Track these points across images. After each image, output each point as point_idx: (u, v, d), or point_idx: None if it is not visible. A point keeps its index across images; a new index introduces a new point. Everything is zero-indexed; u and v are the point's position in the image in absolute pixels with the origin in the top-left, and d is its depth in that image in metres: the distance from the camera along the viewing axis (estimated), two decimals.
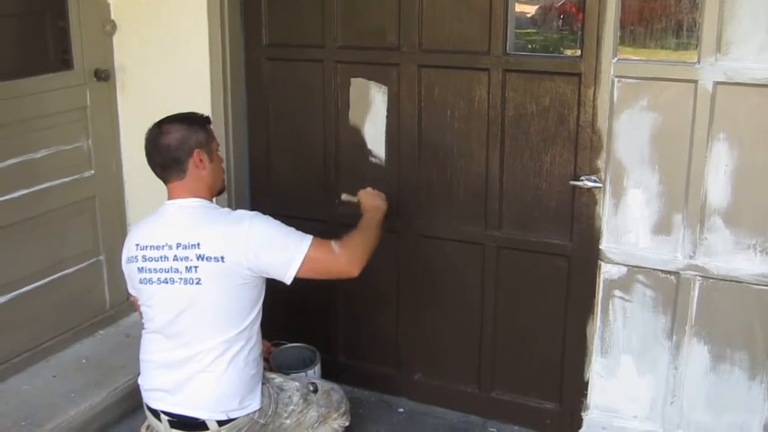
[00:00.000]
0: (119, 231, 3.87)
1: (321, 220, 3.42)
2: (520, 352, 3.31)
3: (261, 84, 3.51)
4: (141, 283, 2.59)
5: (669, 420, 3.09)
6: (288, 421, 2.73)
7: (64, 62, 3.55)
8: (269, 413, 2.68)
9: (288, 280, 2.55)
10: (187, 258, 2.49)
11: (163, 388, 2.60)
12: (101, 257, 3.80)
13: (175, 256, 2.51)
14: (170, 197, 2.62)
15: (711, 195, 2.84)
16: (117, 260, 3.81)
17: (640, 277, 3.01)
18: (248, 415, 2.61)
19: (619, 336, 3.10)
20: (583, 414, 3.23)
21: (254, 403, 2.63)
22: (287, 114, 3.49)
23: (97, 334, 3.79)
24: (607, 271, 3.06)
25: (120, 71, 3.71)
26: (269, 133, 3.55)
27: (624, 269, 3.03)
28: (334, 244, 2.60)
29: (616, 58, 2.85)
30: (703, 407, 3.03)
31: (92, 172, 3.70)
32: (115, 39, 3.68)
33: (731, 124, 2.76)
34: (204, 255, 2.48)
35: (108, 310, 3.86)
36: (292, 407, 2.74)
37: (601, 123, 2.92)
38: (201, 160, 2.59)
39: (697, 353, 2.99)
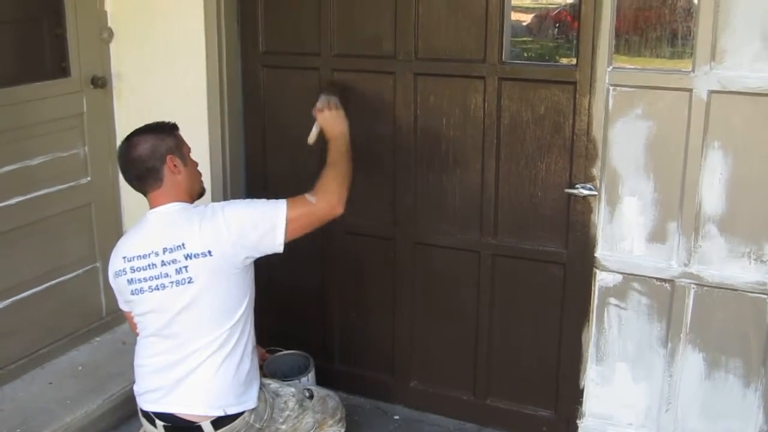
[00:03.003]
0: (115, 238, 3.80)
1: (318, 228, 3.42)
2: (515, 359, 3.32)
3: (257, 91, 3.51)
4: (133, 294, 2.59)
5: (664, 427, 3.09)
6: (284, 427, 2.73)
7: (61, 69, 3.55)
8: (265, 417, 2.68)
9: (279, 248, 2.57)
10: (175, 260, 2.51)
11: (158, 388, 2.60)
12: (97, 264, 3.79)
13: (163, 261, 2.52)
14: (151, 206, 2.64)
15: (705, 203, 2.85)
16: None
17: (635, 284, 3.01)
18: (243, 417, 2.61)
19: (614, 343, 3.11)
20: (578, 421, 3.23)
21: (251, 401, 2.63)
22: (283, 121, 3.49)
23: (93, 340, 3.79)
24: (602, 279, 3.06)
25: (117, 78, 3.72)
26: (265, 141, 3.55)
27: (619, 277, 3.04)
28: (308, 195, 2.62)
29: (611, 67, 2.86)
30: (698, 415, 3.04)
31: (89, 179, 3.70)
32: (112, 46, 3.69)
33: (726, 133, 2.77)
34: (191, 253, 2.50)
35: (104, 317, 3.86)
36: (287, 413, 2.74)
37: (596, 131, 2.93)
38: (175, 165, 2.62)
39: (691, 361, 3.00)
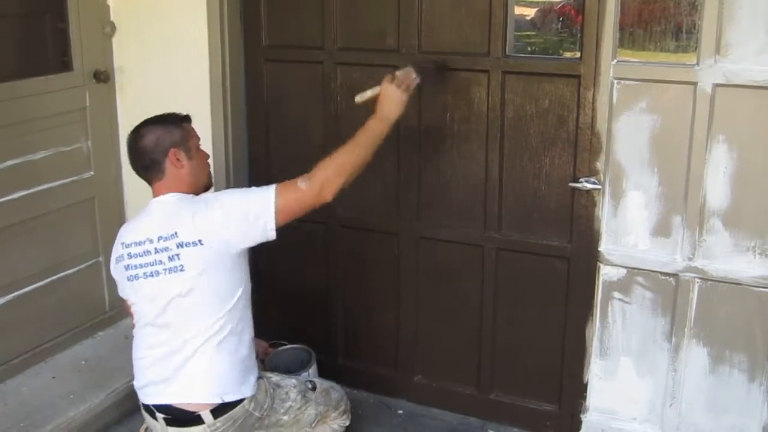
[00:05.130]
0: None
1: (320, 221, 3.42)
2: (519, 353, 3.31)
3: (260, 85, 3.51)
4: (128, 280, 2.61)
5: (668, 422, 3.09)
6: (285, 417, 2.73)
7: (64, 64, 3.55)
8: (265, 407, 2.68)
9: (270, 236, 2.58)
10: (168, 248, 2.53)
11: (157, 380, 2.61)
12: (100, 258, 3.79)
13: (156, 248, 2.54)
14: (154, 196, 2.67)
15: (710, 197, 2.84)
16: None
17: (639, 279, 3.01)
18: (243, 405, 2.61)
19: (618, 338, 3.10)
20: (582, 416, 3.23)
21: (249, 389, 2.64)
22: (287, 115, 3.49)
23: (97, 335, 3.79)
24: (606, 273, 3.06)
25: (119, 72, 3.72)
26: (269, 134, 3.55)
27: (623, 271, 3.03)
28: (300, 180, 2.60)
29: (615, 60, 2.85)
30: (702, 409, 3.03)
31: (92, 173, 3.70)
32: (115, 40, 3.68)
33: (730, 126, 2.76)
34: (183, 242, 2.51)
35: (107, 311, 3.86)
36: (289, 403, 2.74)
37: (601, 125, 2.92)
38: (178, 159, 2.63)
39: (696, 355, 2.99)
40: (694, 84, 2.76)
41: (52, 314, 3.59)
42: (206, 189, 2.76)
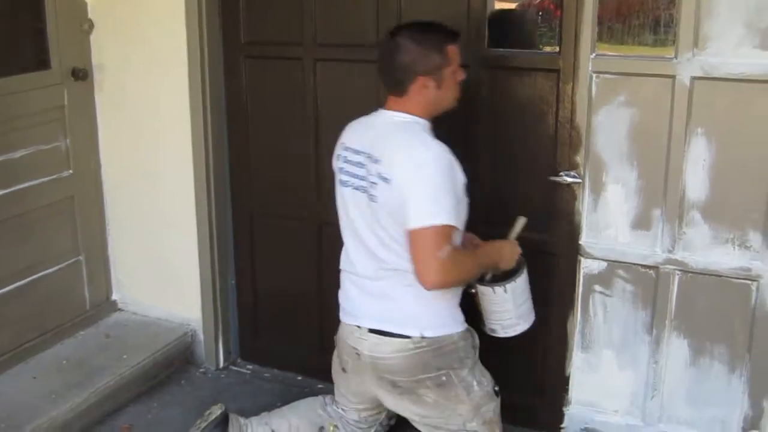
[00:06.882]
0: (98, 230, 3.84)
1: (301, 218, 3.42)
2: (500, 347, 3.30)
3: (240, 82, 3.49)
4: (341, 184, 2.60)
5: (650, 414, 3.10)
6: (467, 380, 2.66)
7: (42, 62, 3.51)
8: (470, 355, 2.64)
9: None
10: (371, 172, 2.48)
11: (363, 298, 2.64)
12: (81, 257, 3.77)
13: (367, 167, 2.50)
14: (385, 106, 2.59)
15: (689, 190, 2.85)
16: (97, 260, 3.81)
17: (620, 271, 3.02)
18: (453, 336, 2.58)
19: (599, 331, 3.11)
20: (564, 409, 3.24)
21: (457, 325, 2.60)
22: (267, 112, 3.48)
23: (78, 334, 3.76)
24: (587, 266, 3.06)
25: (98, 70, 3.69)
26: (249, 131, 3.53)
27: (604, 264, 3.04)
28: (447, 249, 2.40)
29: (594, 54, 2.86)
30: (684, 401, 3.05)
31: (71, 171, 3.68)
32: (93, 38, 3.66)
33: (709, 119, 2.77)
34: (381, 173, 2.45)
35: (88, 310, 3.84)
36: (473, 381, 2.67)
37: (580, 119, 2.93)
38: (425, 87, 2.51)
39: (677, 347, 3.01)
40: (673, 77, 2.76)
41: (33, 314, 3.57)
42: (446, 110, 2.64)
